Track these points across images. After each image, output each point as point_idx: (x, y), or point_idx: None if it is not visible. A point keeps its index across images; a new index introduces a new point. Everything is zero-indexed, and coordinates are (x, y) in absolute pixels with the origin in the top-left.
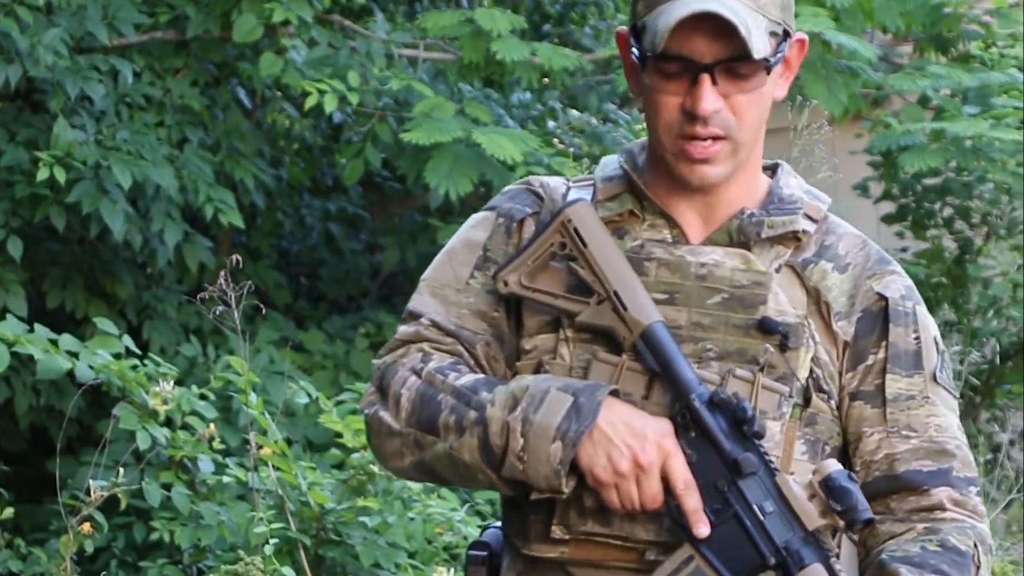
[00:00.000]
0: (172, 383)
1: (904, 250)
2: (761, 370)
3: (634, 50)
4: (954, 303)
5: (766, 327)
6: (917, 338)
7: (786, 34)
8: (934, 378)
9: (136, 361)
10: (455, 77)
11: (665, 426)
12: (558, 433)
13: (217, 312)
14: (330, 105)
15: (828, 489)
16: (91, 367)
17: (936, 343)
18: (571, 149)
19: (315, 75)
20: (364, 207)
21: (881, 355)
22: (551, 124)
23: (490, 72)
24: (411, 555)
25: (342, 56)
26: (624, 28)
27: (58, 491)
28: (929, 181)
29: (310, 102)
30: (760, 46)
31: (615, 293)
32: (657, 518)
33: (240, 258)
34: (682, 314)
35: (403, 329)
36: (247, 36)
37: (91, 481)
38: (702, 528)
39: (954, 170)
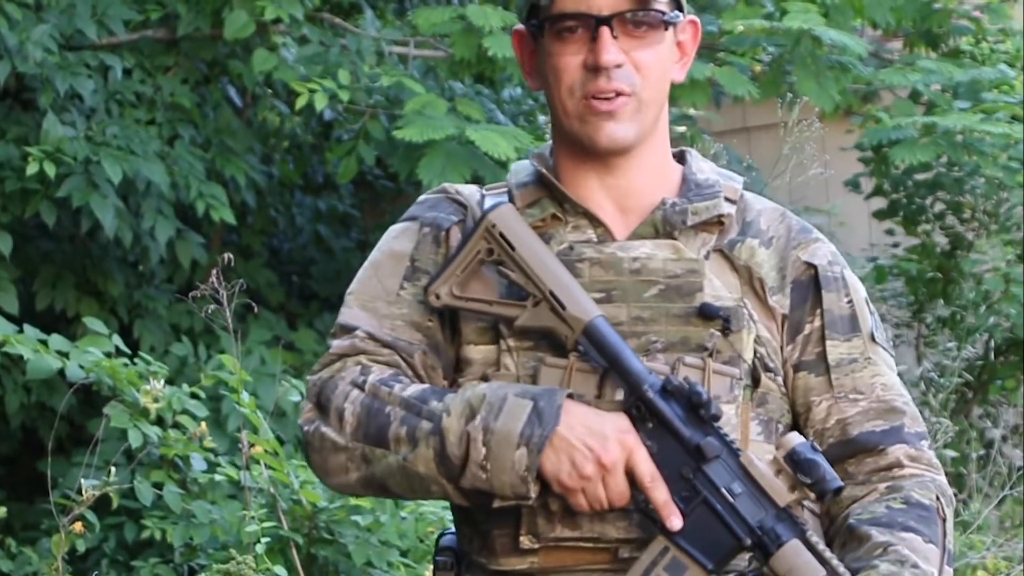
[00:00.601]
0: (163, 382)
1: (896, 245)
2: (710, 355)
3: (532, 24)
4: (946, 298)
5: (706, 313)
6: (850, 301)
7: (680, 7)
8: (872, 338)
9: (127, 360)
10: (446, 74)
11: (623, 422)
12: (522, 439)
13: (208, 311)
14: (320, 103)
15: (794, 463)
16: (81, 366)
17: (867, 304)
18: None
19: (306, 73)
20: (355, 205)
21: (817, 323)
22: (541, 119)
23: (481, 68)
24: (403, 553)
25: (332, 54)
26: (519, 27)
27: (49, 490)
28: (920, 176)
29: (300, 102)
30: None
31: (551, 293)
32: (627, 515)
33: (231, 256)
34: (621, 310)
35: (337, 343)
36: (238, 32)
37: (82, 480)
38: (675, 520)
39: (945, 165)
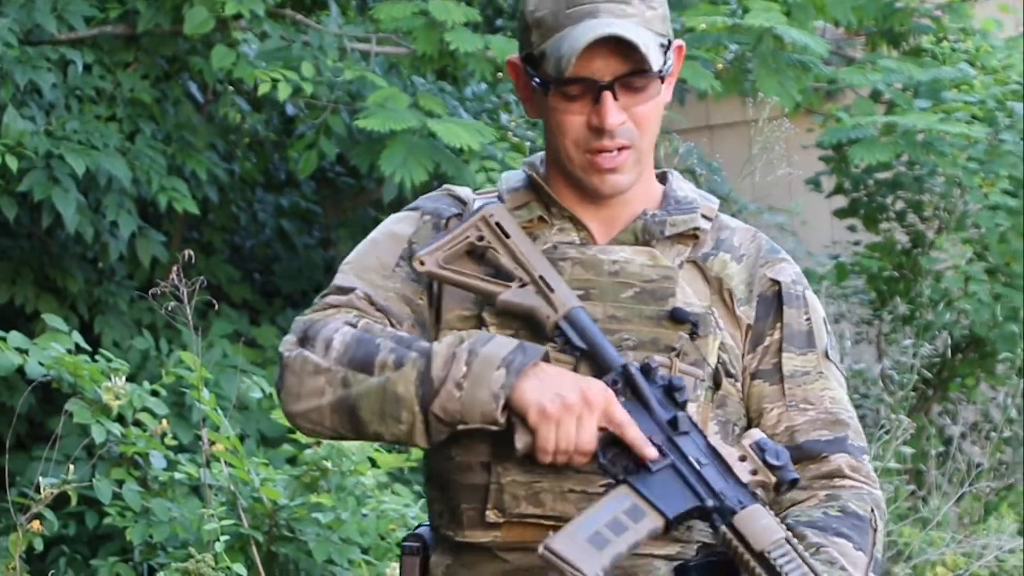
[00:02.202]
0: (124, 379)
1: (857, 243)
2: (677, 356)
3: (535, 78)
4: (906, 296)
5: (677, 317)
6: (808, 319)
7: (669, 43)
8: (826, 355)
9: (87, 357)
10: (408, 70)
11: (601, 382)
12: (503, 362)
13: (169, 308)
14: (284, 93)
15: (762, 449)
16: (41, 363)
17: (824, 324)
18: (527, 143)
19: (267, 68)
20: (317, 202)
21: (777, 335)
22: (504, 117)
23: (443, 64)
24: (364, 551)
25: (295, 49)
26: (514, 56)
27: (7, 489)
28: (881, 175)
29: (263, 89)
30: (655, 60)
31: (540, 277)
32: (587, 496)
33: (192, 253)
34: (598, 308)
35: (331, 298)
36: (198, 28)
37: (41, 479)
38: (649, 450)
39: (905, 164)
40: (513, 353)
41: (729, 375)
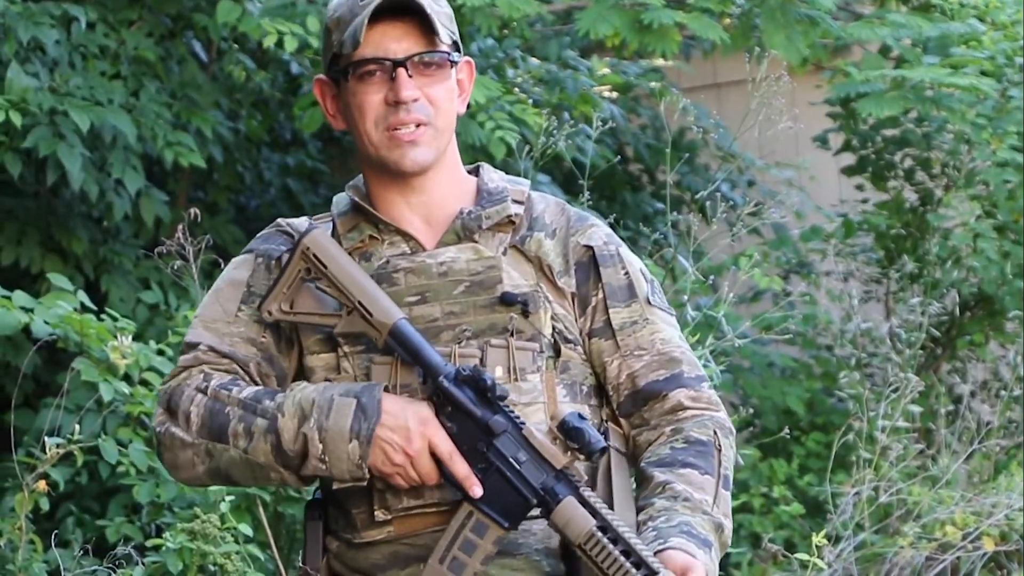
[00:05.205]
0: (130, 338)
1: (865, 201)
2: (511, 335)
3: (337, 72)
4: (914, 254)
5: (507, 300)
6: (626, 273)
7: (457, 47)
8: (648, 302)
9: (93, 316)
10: None
11: (424, 411)
12: (352, 434)
13: (175, 267)
14: (290, 46)
15: (564, 432)
16: (47, 322)
17: (643, 274)
18: (531, 99)
19: (273, 23)
20: (323, 161)
21: (600, 295)
22: (511, 72)
23: None
24: None
25: (300, 4)
26: (321, 76)
27: (13, 449)
28: (888, 132)
29: (269, 42)
30: (444, 37)
31: (360, 303)
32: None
33: (198, 211)
34: (435, 308)
35: (183, 358)
36: None
37: (47, 438)
38: (476, 490)
39: (914, 121)
40: (356, 420)
41: (568, 341)
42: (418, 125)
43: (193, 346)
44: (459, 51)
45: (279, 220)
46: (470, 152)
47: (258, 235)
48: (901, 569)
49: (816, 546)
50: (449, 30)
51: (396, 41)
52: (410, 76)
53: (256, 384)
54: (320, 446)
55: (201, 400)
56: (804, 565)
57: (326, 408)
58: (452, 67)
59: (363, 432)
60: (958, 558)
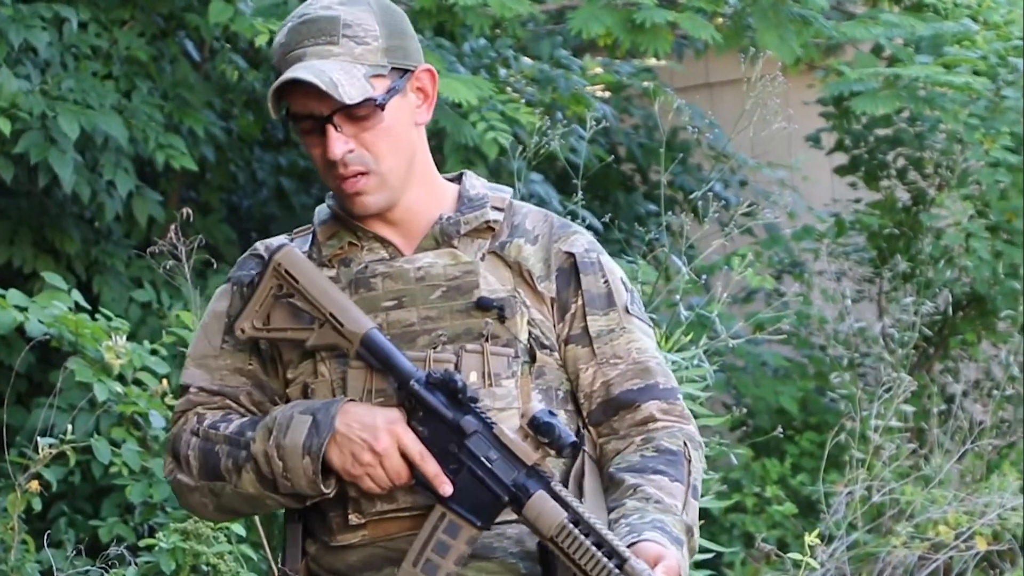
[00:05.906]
0: (124, 338)
1: (857, 200)
2: (487, 340)
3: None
4: (907, 254)
5: (483, 305)
6: (606, 281)
7: (404, 71)
8: (627, 311)
9: (87, 316)
10: None
11: (393, 414)
12: (304, 450)
13: (168, 267)
14: None
15: (534, 428)
16: (41, 321)
17: (623, 283)
18: (523, 99)
19: (264, 23)
20: None
21: (579, 302)
22: (503, 72)
23: (442, 19)
24: None
25: (291, 4)
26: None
27: (5, 449)
28: (881, 131)
29: (260, 41)
30: (356, 93)
31: (331, 315)
32: None
33: (190, 211)
34: (412, 313)
35: (178, 403)
36: None
37: (39, 438)
38: (446, 487)
39: (906, 120)
40: (309, 436)
41: (544, 347)
42: (360, 174)
43: (186, 389)
44: (407, 72)
45: (256, 244)
46: (463, 152)
47: (237, 261)
48: (894, 568)
49: (809, 546)
50: (380, 68)
51: (317, 98)
52: (338, 130)
53: (252, 413)
54: (280, 464)
55: (195, 443)
56: (797, 565)
57: (284, 425)
58: (383, 110)
59: (314, 447)
60: (951, 558)
